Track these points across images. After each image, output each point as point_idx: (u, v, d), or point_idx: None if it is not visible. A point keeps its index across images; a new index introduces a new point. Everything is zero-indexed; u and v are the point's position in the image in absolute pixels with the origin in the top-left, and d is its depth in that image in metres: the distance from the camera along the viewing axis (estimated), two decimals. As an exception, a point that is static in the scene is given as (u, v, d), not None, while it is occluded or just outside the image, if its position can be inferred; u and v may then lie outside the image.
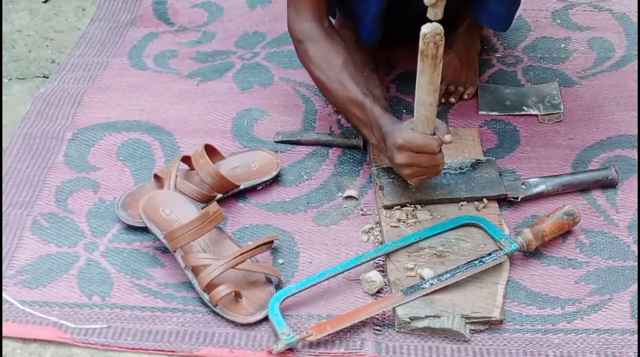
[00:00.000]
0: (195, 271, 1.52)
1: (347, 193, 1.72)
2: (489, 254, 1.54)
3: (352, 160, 1.80)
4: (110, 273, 1.58)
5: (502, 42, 2.12)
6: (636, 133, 1.84)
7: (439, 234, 1.60)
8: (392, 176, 1.68)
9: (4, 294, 1.53)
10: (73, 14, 2.33)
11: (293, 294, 1.50)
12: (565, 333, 1.46)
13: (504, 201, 1.68)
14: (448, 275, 1.50)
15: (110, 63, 2.09)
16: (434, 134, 1.55)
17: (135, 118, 1.91)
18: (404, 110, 1.92)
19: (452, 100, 1.94)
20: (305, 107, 1.94)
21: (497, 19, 1.83)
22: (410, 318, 1.46)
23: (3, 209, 1.69)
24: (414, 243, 1.58)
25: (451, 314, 1.45)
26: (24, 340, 1.47)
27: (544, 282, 1.55)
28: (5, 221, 1.66)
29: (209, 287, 1.49)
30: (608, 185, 1.72)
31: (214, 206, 1.56)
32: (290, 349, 1.43)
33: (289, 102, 1.96)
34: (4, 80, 2.09)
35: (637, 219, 1.66)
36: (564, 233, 1.62)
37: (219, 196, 1.69)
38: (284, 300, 1.48)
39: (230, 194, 1.71)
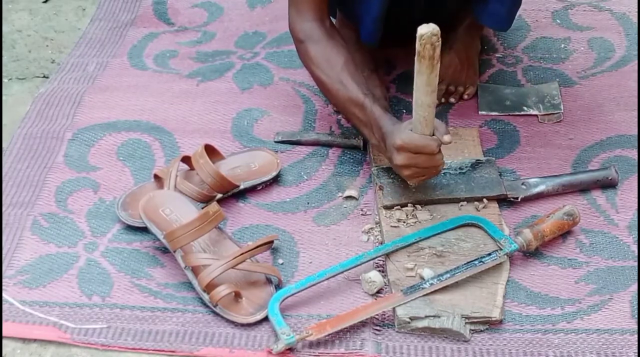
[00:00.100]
0: (195, 271, 1.52)
1: (347, 193, 1.72)
2: (489, 254, 1.54)
3: (352, 161, 1.80)
4: (110, 273, 1.58)
5: (502, 42, 2.12)
6: (636, 133, 1.84)
7: (439, 234, 1.60)
8: (392, 176, 1.68)
9: (4, 294, 1.53)
10: (73, 14, 2.33)
11: (293, 294, 1.50)
12: (565, 333, 1.46)
13: (504, 201, 1.68)
14: (448, 275, 1.50)
15: (110, 63, 2.09)
16: (433, 135, 1.55)
17: (135, 118, 1.91)
18: (404, 110, 1.92)
19: (452, 100, 1.94)
20: (305, 107, 1.94)
21: (497, 19, 1.83)
22: (410, 318, 1.46)
23: (3, 209, 1.69)
24: (414, 243, 1.58)
25: (451, 314, 1.45)
26: (24, 340, 1.47)
27: (544, 282, 1.55)
28: (5, 221, 1.66)
29: (209, 287, 1.49)
30: (608, 185, 1.72)
31: (214, 206, 1.56)
32: (290, 349, 1.43)
33: (289, 102, 1.96)
34: (4, 80, 2.10)
35: (637, 219, 1.66)
36: (564, 233, 1.62)
37: (219, 196, 1.69)
38: (284, 300, 1.48)
39: (230, 194, 1.71)
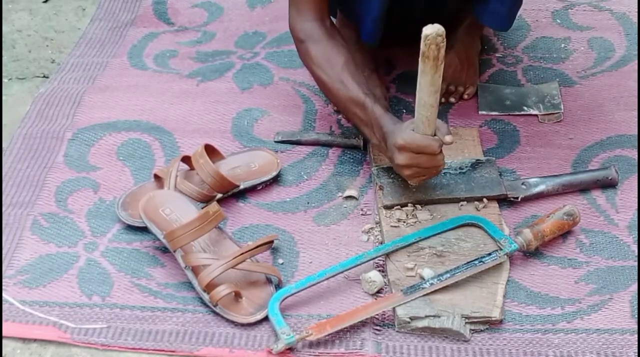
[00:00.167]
0: (195, 271, 1.52)
1: (347, 193, 1.72)
2: (489, 254, 1.54)
3: (352, 160, 1.80)
4: (110, 273, 1.58)
5: (502, 42, 2.12)
6: (636, 133, 1.84)
7: (439, 234, 1.60)
8: (392, 176, 1.68)
9: (4, 294, 1.53)
10: (73, 14, 2.33)
11: (293, 294, 1.50)
12: (565, 333, 1.46)
13: (504, 201, 1.68)
14: (448, 275, 1.50)
15: (110, 63, 2.09)
16: (435, 135, 1.55)
17: (135, 118, 1.91)
18: (404, 110, 1.92)
19: (452, 100, 1.94)
20: (305, 107, 1.94)
21: (498, 19, 1.83)
22: (410, 318, 1.46)
23: (3, 209, 1.69)
24: (414, 243, 1.58)
25: (451, 314, 1.45)
26: (24, 340, 1.47)
27: (544, 282, 1.55)
28: (5, 221, 1.66)
29: (209, 287, 1.49)
30: (608, 185, 1.72)
31: (214, 206, 1.56)
32: (290, 349, 1.43)
33: (289, 102, 1.96)
34: (4, 80, 2.10)
35: (637, 219, 1.66)
36: (564, 233, 1.62)
37: (219, 195, 1.69)
38: (283, 300, 1.48)
39: (230, 194, 1.71)
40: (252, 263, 1.53)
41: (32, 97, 2.00)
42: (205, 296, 1.49)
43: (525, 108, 1.92)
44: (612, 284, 1.54)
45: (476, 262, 1.53)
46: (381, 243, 1.61)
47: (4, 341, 1.46)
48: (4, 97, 2.03)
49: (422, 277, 1.52)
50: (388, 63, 2.04)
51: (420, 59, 1.45)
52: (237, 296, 1.50)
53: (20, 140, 1.85)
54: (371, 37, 1.80)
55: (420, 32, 1.42)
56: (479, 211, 1.64)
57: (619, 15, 2.20)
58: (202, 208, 1.59)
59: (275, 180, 1.76)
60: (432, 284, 1.49)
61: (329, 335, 1.45)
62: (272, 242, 1.58)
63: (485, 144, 1.83)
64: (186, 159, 1.72)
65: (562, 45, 2.11)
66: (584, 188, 1.71)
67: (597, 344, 1.44)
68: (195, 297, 1.52)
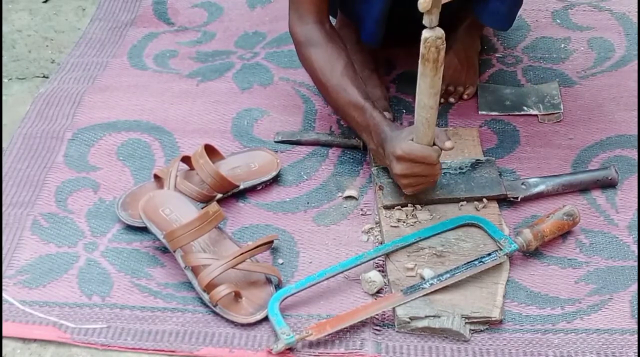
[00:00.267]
0: (195, 271, 1.52)
1: (347, 193, 1.72)
2: (489, 254, 1.54)
3: (352, 160, 1.80)
4: (110, 273, 1.58)
5: (502, 42, 2.12)
6: (636, 133, 1.84)
7: (439, 234, 1.60)
8: (392, 176, 1.68)
9: (4, 294, 1.53)
10: (73, 14, 2.33)
11: (293, 294, 1.50)
12: (565, 333, 1.46)
13: (504, 201, 1.68)
14: (448, 275, 1.50)
15: (110, 63, 2.09)
16: (435, 139, 1.55)
17: (135, 118, 1.91)
18: (404, 110, 1.92)
19: (452, 100, 1.94)
20: (305, 107, 1.94)
21: (498, 19, 1.83)
22: (410, 318, 1.46)
23: (3, 209, 1.69)
24: (414, 243, 1.58)
25: (451, 314, 1.45)
26: (24, 340, 1.47)
27: (544, 282, 1.55)
28: (5, 221, 1.66)
29: (209, 287, 1.49)
30: (608, 185, 1.72)
31: (214, 206, 1.56)
32: (290, 349, 1.43)
33: (289, 102, 1.96)
34: (4, 80, 2.10)
35: (637, 219, 1.66)
36: (564, 233, 1.62)
37: (219, 196, 1.69)
38: (283, 300, 1.48)
39: (230, 194, 1.71)
40: (252, 263, 1.53)
41: (32, 97, 2.00)
42: (205, 296, 1.49)
43: (525, 108, 1.92)
44: (612, 284, 1.54)
45: (476, 262, 1.53)
46: (381, 243, 1.61)
47: (4, 341, 1.46)
48: (4, 97, 2.03)
49: (422, 277, 1.52)
50: (388, 63, 2.04)
51: (419, 62, 1.45)
52: (237, 296, 1.50)
53: (20, 140, 1.85)
54: (372, 38, 1.80)
55: (420, 32, 1.42)
56: (478, 211, 1.64)
57: (619, 15, 2.21)
58: (202, 208, 1.59)
59: (275, 180, 1.76)
60: (432, 284, 1.49)
61: (329, 335, 1.45)
62: (272, 242, 1.58)
63: (485, 144, 1.83)
64: (186, 159, 1.72)
65: (562, 45, 2.11)
66: (584, 188, 1.71)
67: (597, 344, 1.44)
68: (195, 297, 1.52)
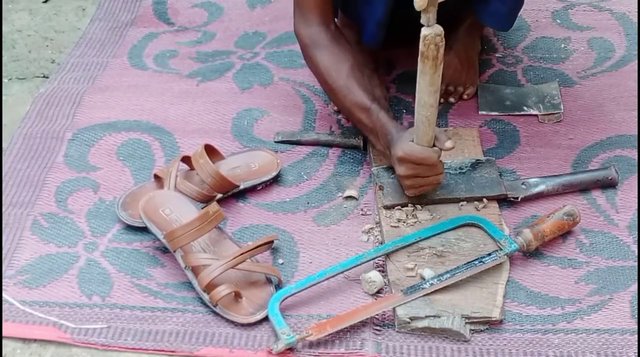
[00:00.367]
0: (195, 271, 1.52)
1: (347, 193, 1.72)
2: (489, 254, 1.54)
3: (352, 160, 1.80)
4: (110, 273, 1.58)
5: (502, 42, 2.12)
6: (636, 133, 1.84)
7: (439, 234, 1.60)
8: (392, 176, 1.68)
9: (4, 294, 1.53)
10: (73, 14, 2.33)
11: (293, 294, 1.50)
12: (565, 333, 1.46)
13: (504, 201, 1.68)
14: (448, 275, 1.50)
15: (110, 63, 2.09)
16: (435, 138, 1.55)
17: (135, 118, 1.91)
18: (404, 110, 1.92)
19: (452, 100, 1.94)
20: (305, 107, 1.94)
21: (499, 19, 1.83)
22: (410, 318, 1.46)
23: (3, 209, 1.69)
24: (414, 243, 1.58)
25: (451, 314, 1.45)
26: (24, 340, 1.47)
27: (544, 282, 1.55)
28: (5, 221, 1.66)
29: (209, 287, 1.49)
30: (608, 185, 1.72)
31: (214, 206, 1.56)
32: (290, 349, 1.43)
33: (289, 102, 1.96)
34: (4, 80, 2.10)
35: (637, 219, 1.66)
36: (564, 233, 1.62)
37: (219, 196, 1.69)
38: (283, 300, 1.48)
39: (230, 194, 1.71)
40: (252, 263, 1.53)
41: (32, 97, 2.00)
42: (205, 296, 1.49)
43: (525, 108, 1.92)
44: (612, 284, 1.54)
45: (476, 262, 1.53)
46: (381, 243, 1.61)
47: (4, 341, 1.46)
48: (4, 97, 2.03)
49: (422, 278, 1.52)
50: (388, 63, 2.04)
51: (419, 59, 1.45)
52: (237, 296, 1.50)
53: (20, 140, 1.85)
54: (373, 40, 1.81)
55: (420, 32, 1.43)
56: (479, 211, 1.64)
57: (619, 15, 2.20)
58: (202, 208, 1.59)
59: (275, 180, 1.76)
60: (432, 284, 1.49)
61: (329, 335, 1.45)
62: (272, 242, 1.58)
63: (485, 144, 1.83)
64: (186, 159, 1.72)
65: (562, 45, 2.11)
66: (584, 188, 1.71)
67: (597, 344, 1.44)
68: (195, 297, 1.52)
